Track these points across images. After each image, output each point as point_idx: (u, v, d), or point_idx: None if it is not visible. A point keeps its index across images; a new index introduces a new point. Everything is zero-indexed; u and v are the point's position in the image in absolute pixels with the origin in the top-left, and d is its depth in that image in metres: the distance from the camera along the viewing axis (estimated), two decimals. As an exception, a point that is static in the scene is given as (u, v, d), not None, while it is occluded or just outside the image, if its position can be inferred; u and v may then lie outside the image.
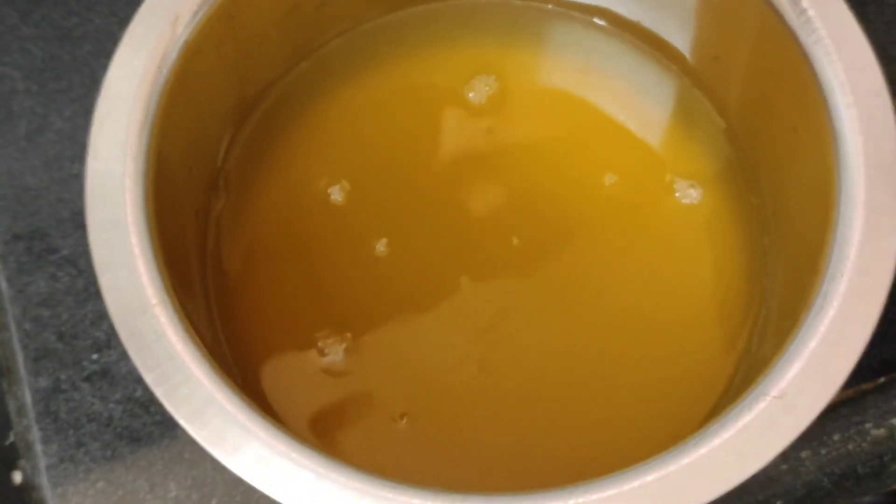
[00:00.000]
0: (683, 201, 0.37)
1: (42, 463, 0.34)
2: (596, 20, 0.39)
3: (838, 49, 0.30)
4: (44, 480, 0.34)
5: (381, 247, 0.36)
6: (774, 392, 0.27)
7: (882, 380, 0.35)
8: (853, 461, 0.34)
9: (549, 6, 0.39)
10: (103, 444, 0.34)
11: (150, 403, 0.35)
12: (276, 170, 0.37)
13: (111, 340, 0.35)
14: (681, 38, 0.37)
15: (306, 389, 0.34)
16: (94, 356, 0.35)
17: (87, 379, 0.35)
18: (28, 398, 0.35)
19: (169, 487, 0.34)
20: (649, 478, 0.25)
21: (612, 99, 0.38)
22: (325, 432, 0.34)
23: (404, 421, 0.34)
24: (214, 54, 0.33)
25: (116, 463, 0.34)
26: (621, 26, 0.39)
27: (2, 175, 0.37)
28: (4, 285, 0.36)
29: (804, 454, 0.34)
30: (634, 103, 0.38)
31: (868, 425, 0.34)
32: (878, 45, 0.30)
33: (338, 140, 0.38)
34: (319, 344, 0.35)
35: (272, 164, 0.37)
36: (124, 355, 0.35)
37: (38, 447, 0.34)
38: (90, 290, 0.36)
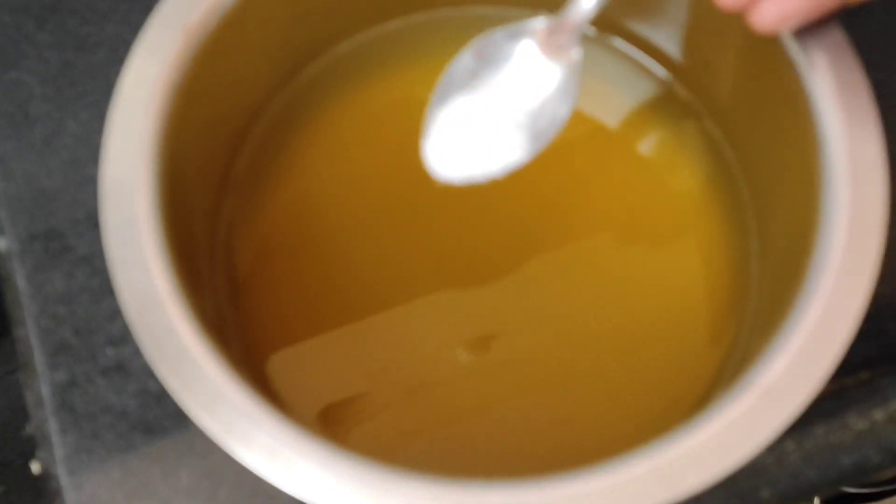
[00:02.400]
0: (672, 202, 0.37)
1: (59, 453, 0.35)
2: (588, 28, 0.39)
3: (824, 55, 0.30)
4: (60, 470, 0.35)
5: (386, 246, 0.37)
6: (761, 386, 0.27)
7: (865, 375, 0.36)
8: (836, 453, 0.34)
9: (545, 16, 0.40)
10: (118, 435, 0.35)
11: (162, 396, 0.35)
12: (284, 171, 0.38)
13: (125, 336, 0.36)
14: (671, 45, 0.38)
15: (313, 383, 0.35)
16: (109, 351, 0.36)
17: (103, 373, 0.36)
18: (45, 391, 0.35)
19: (181, 477, 0.34)
20: (638, 468, 0.26)
21: (604, 105, 0.39)
22: (331, 425, 0.34)
23: (408, 412, 0.35)
24: (224, 60, 0.33)
25: (130, 453, 0.35)
26: (614, 32, 0.39)
27: (20, 177, 0.38)
28: (23, 283, 0.37)
29: (789, 446, 0.35)
30: (626, 109, 0.39)
31: (851, 419, 0.35)
32: (862, 52, 0.31)
33: (344, 143, 0.38)
34: (324, 338, 0.35)
35: (281, 166, 0.38)
36: (138, 350, 0.35)
37: (55, 438, 0.35)
38: (105, 288, 0.36)
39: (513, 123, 0.31)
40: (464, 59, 0.31)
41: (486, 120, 0.31)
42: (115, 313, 0.36)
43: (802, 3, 0.28)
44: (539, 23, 0.31)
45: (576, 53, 0.31)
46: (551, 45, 0.31)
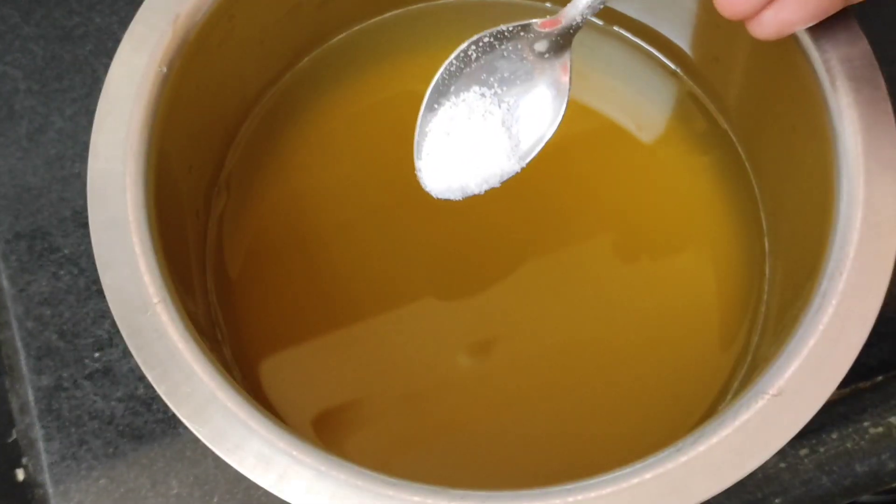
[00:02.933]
0: (682, 201, 0.37)
1: (44, 460, 0.34)
2: (597, 20, 0.39)
3: (837, 49, 0.30)
4: (46, 478, 0.34)
5: (382, 246, 0.36)
6: (772, 390, 0.27)
7: (880, 378, 0.35)
8: (851, 459, 0.34)
9: (548, 5, 0.39)
10: (105, 441, 0.34)
11: (151, 401, 0.35)
12: (277, 169, 0.37)
13: (113, 339, 0.35)
14: (682, 39, 0.37)
15: (306, 387, 0.34)
16: (96, 354, 0.35)
17: (89, 377, 0.35)
18: (30, 396, 0.35)
19: (171, 485, 0.34)
20: (647, 475, 0.25)
21: (612, 100, 0.38)
22: (325, 430, 0.34)
23: (404, 419, 0.34)
24: (215, 53, 0.33)
25: (118, 460, 0.34)
26: (622, 26, 0.39)
27: (3, 174, 0.37)
28: (6, 284, 0.36)
29: (802, 452, 0.34)
30: (634, 104, 0.38)
31: (866, 423, 0.34)
32: (876, 45, 0.30)
33: (340, 139, 0.38)
34: (319, 342, 0.35)
35: (274, 164, 0.37)
36: (126, 353, 0.35)
37: (41, 445, 0.34)
38: (91, 289, 0.36)
39: (504, 131, 0.30)
40: (451, 66, 0.30)
41: (477, 130, 0.30)
42: (102, 315, 0.36)
43: (801, 11, 0.27)
44: (530, 23, 0.30)
45: (566, 53, 0.30)
46: (542, 46, 0.30)
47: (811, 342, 0.27)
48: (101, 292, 0.34)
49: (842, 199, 0.29)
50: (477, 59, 0.29)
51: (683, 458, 0.26)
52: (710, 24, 0.36)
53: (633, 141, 0.38)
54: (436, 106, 0.30)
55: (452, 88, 0.30)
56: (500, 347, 0.35)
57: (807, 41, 0.30)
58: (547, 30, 0.29)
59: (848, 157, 0.29)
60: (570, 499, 0.25)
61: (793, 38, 0.30)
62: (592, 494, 0.25)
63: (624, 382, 0.34)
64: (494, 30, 0.29)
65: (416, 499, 0.25)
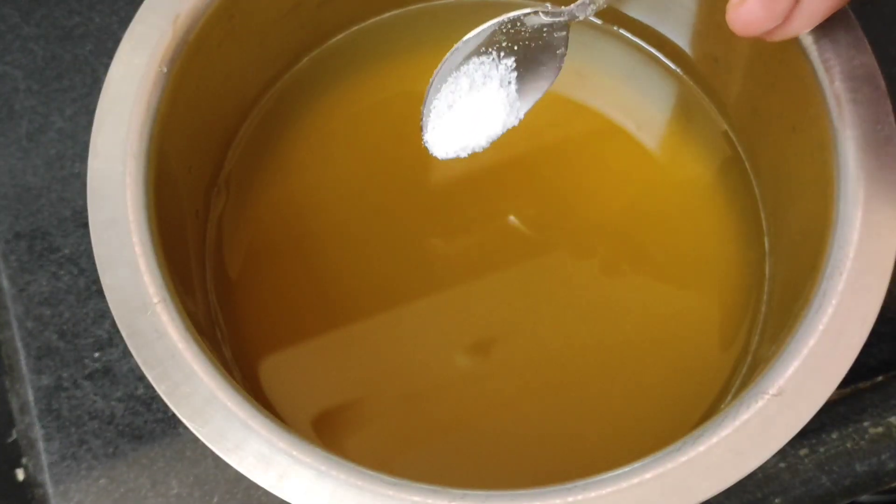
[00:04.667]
0: (682, 201, 0.37)
1: (44, 460, 0.34)
2: (596, 19, 0.39)
3: (837, 48, 0.30)
4: (46, 477, 0.34)
5: (382, 246, 0.36)
6: (773, 390, 0.27)
7: (880, 378, 0.35)
8: (851, 459, 0.34)
9: (548, 5, 0.39)
10: (105, 441, 0.34)
11: (151, 401, 0.35)
12: (276, 169, 0.37)
13: (113, 339, 0.35)
14: (682, 39, 0.37)
15: (306, 387, 0.34)
16: (96, 354, 0.35)
17: (89, 377, 0.35)
18: (30, 396, 0.35)
19: (171, 485, 0.34)
20: (647, 475, 0.25)
21: (612, 100, 0.38)
22: (325, 430, 0.34)
23: (404, 418, 0.34)
24: (215, 53, 0.33)
25: (118, 460, 0.34)
26: (622, 26, 0.39)
27: (3, 174, 0.37)
28: (6, 284, 0.36)
29: (802, 452, 0.34)
30: (634, 104, 0.38)
31: (866, 423, 0.34)
32: (876, 45, 0.30)
33: (339, 139, 0.38)
34: (319, 342, 0.35)
35: (273, 164, 0.37)
36: (126, 353, 0.35)
37: (41, 445, 0.34)
38: (91, 289, 0.36)
39: (502, 89, 0.31)
40: (458, 44, 0.30)
41: (477, 95, 0.30)
42: (102, 315, 0.36)
43: (808, 20, 0.27)
44: (527, 12, 0.30)
45: (564, 32, 0.30)
46: (542, 25, 0.30)
47: (811, 342, 0.27)
48: (101, 292, 0.34)
49: (842, 199, 0.29)
50: (480, 36, 0.30)
51: (683, 458, 0.26)
52: (710, 24, 0.36)
53: (632, 141, 0.38)
54: (440, 86, 0.30)
55: (453, 71, 0.30)
56: (499, 347, 0.35)
57: (807, 41, 0.30)
58: (547, 20, 0.30)
59: (847, 156, 0.29)
60: (570, 499, 0.25)
61: (793, 38, 0.30)
62: (592, 494, 0.25)
63: (624, 382, 0.34)
64: (503, 17, 0.30)
65: (416, 499, 0.25)
